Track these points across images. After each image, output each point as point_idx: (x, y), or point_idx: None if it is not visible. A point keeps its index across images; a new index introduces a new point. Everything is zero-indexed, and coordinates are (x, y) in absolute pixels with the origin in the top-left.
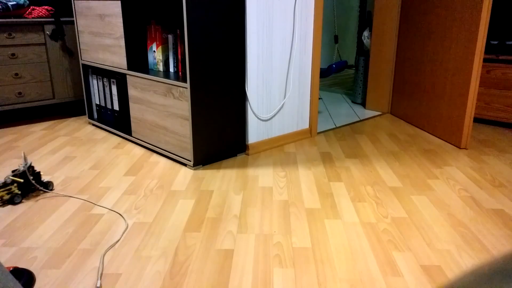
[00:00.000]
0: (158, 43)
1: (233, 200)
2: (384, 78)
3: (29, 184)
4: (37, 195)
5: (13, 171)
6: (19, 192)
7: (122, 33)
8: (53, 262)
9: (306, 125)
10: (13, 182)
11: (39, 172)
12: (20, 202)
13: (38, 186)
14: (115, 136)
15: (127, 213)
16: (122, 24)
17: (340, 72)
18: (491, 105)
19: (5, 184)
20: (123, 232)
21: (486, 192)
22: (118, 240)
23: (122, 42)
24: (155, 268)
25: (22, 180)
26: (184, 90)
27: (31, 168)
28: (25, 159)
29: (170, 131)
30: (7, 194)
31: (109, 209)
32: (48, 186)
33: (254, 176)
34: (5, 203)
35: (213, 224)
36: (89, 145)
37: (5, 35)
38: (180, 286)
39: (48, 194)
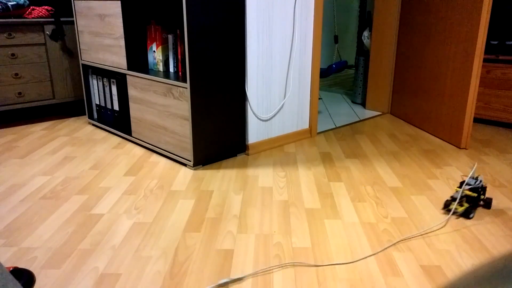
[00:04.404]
0: (158, 43)
1: (233, 200)
2: (384, 78)
3: (477, 199)
4: (480, 212)
5: (462, 183)
6: (469, 205)
7: (122, 33)
8: (53, 262)
9: (306, 125)
10: (466, 195)
11: (485, 187)
12: (473, 216)
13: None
14: (115, 136)
15: (127, 213)
16: (122, 24)
17: (340, 72)
18: (491, 105)
19: (454, 199)
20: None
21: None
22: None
23: (122, 42)
24: (155, 268)
25: (475, 195)
26: (184, 90)
27: (481, 183)
28: (474, 173)
29: (170, 131)
30: (460, 206)
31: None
32: (486, 204)
33: (254, 176)
34: (458, 215)
35: (213, 224)
36: (89, 145)
37: (5, 35)
38: (180, 286)
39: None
